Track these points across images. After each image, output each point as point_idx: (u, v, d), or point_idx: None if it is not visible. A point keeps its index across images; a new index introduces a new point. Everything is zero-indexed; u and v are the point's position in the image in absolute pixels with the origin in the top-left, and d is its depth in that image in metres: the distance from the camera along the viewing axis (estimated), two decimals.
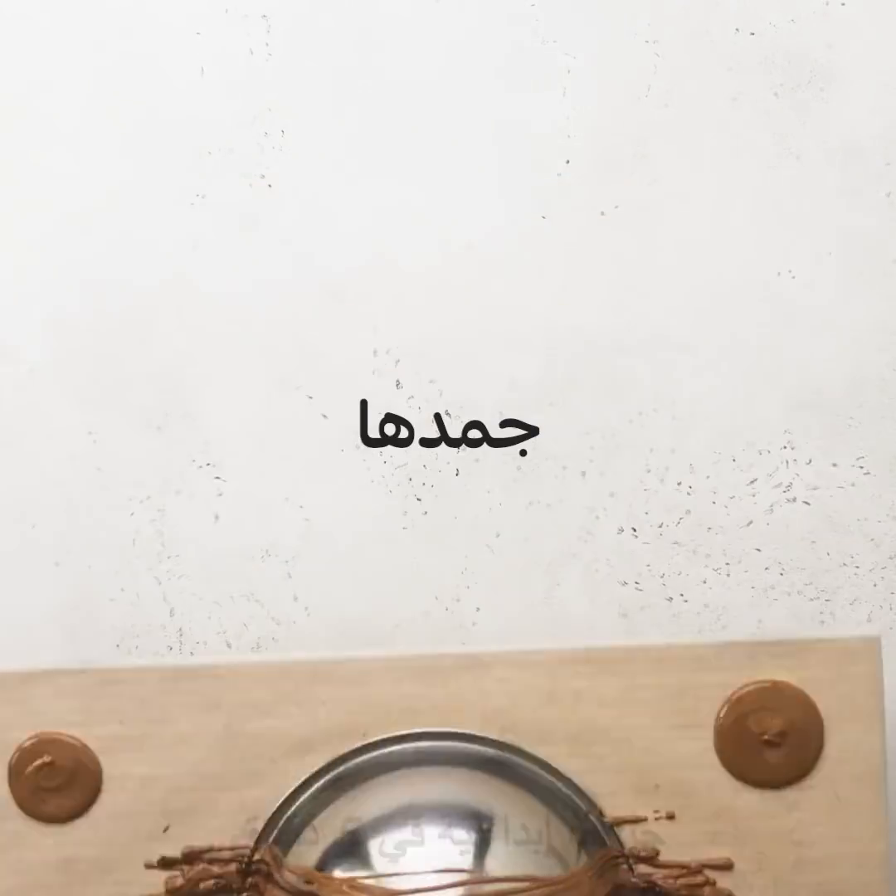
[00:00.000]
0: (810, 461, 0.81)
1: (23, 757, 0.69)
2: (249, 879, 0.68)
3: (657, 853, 0.68)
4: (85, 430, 0.82)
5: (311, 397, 0.81)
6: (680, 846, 0.68)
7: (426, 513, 0.81)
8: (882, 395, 0.80)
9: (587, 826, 0.69)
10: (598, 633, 0.81)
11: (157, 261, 0.81)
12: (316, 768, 0.69)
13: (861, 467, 0.81)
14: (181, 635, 0.82)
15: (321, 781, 0.70)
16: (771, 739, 0.67)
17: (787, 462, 0.81)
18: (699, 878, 0.68)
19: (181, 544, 0.82)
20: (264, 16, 0.80)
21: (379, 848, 0.67)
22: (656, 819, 0.68)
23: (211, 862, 0.68)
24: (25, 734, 0.69)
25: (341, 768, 0.70)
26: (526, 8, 0.80)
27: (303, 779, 0.69)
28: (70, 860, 0.69)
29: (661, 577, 0.81)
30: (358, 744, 0.70)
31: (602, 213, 0.80)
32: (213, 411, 0.82)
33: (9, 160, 0.81)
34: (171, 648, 0.82)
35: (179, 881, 0.68)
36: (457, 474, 0.81)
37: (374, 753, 0.70)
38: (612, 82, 0.80)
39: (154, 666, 0.71)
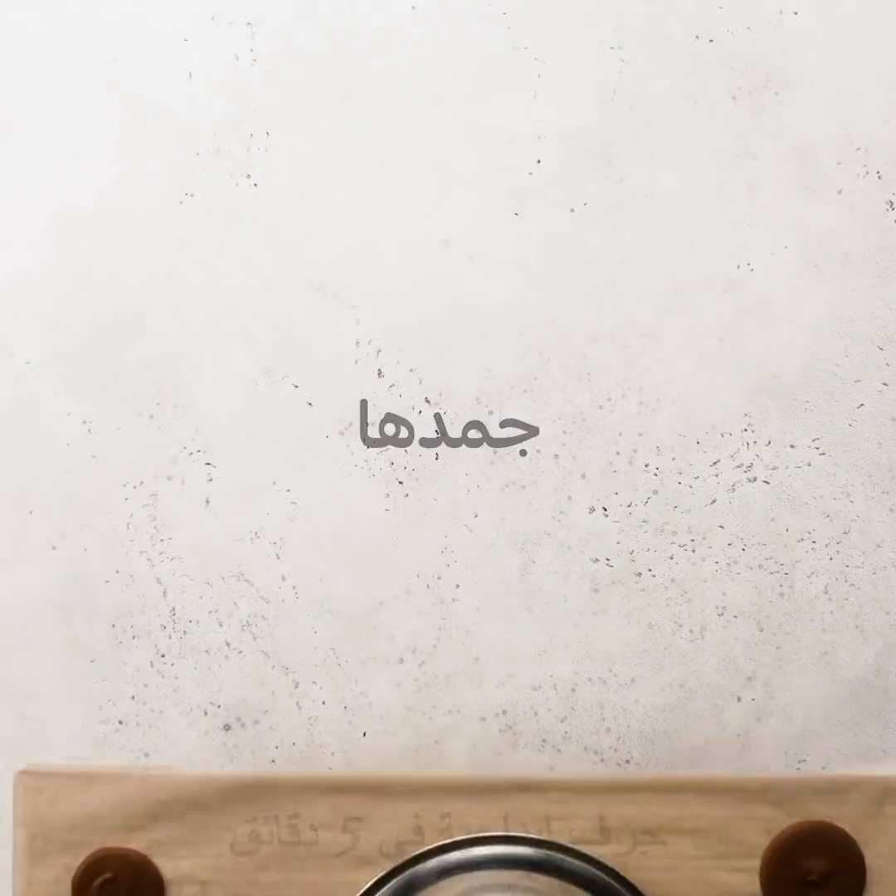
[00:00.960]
0: (769, 443, 0.83)
1: (86, 872, 0.67)
2: None
3: None
4: (80, 419, 0.83)
5: (296, 386, 0.83)
6: None
7: (407, 496, 0.83)
8: (835, 380, 0.82)
9: None
10: (571, 607, 0.83)
11: (148, 257, 0.82)
12: (374, 880, 0.68)
13: (817, 448, 0.83)
14: (174, 614, 0.83)
15: (381, 891, 0.69)
16: (815, 880, 0.67)
17: (748, 444, 0.83)
18: None
19: (173, 528, 0.83)
20: (249, 23, 0.82)
21: None
22: None
23: None
24: (88, 838, 0.67)
25: (399, 878, 0.69)
26: (498, 16, 0.82)
27: (362, 891, 0.69)
28: None
29: (631, 553, 0.83)
30: (415, 852, 0.69)
31: (571, 211, 0.82)
32: (203, 401, 0.83)
33: (3, 161, 0.82)
34: (163, 627, 0.83)
35: None
36: (436, 459, 0.83)
37: (433, 861, 0.69)
38: (580, 86, 0.82)
39: (215, 775, 0.70)
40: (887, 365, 0.82)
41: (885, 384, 0.82)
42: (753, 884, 0.68)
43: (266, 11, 0.82)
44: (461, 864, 0.69)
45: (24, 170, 0.82)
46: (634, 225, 0.82)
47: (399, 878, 0.69)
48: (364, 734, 0.82)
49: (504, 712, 0.82)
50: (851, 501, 0.82)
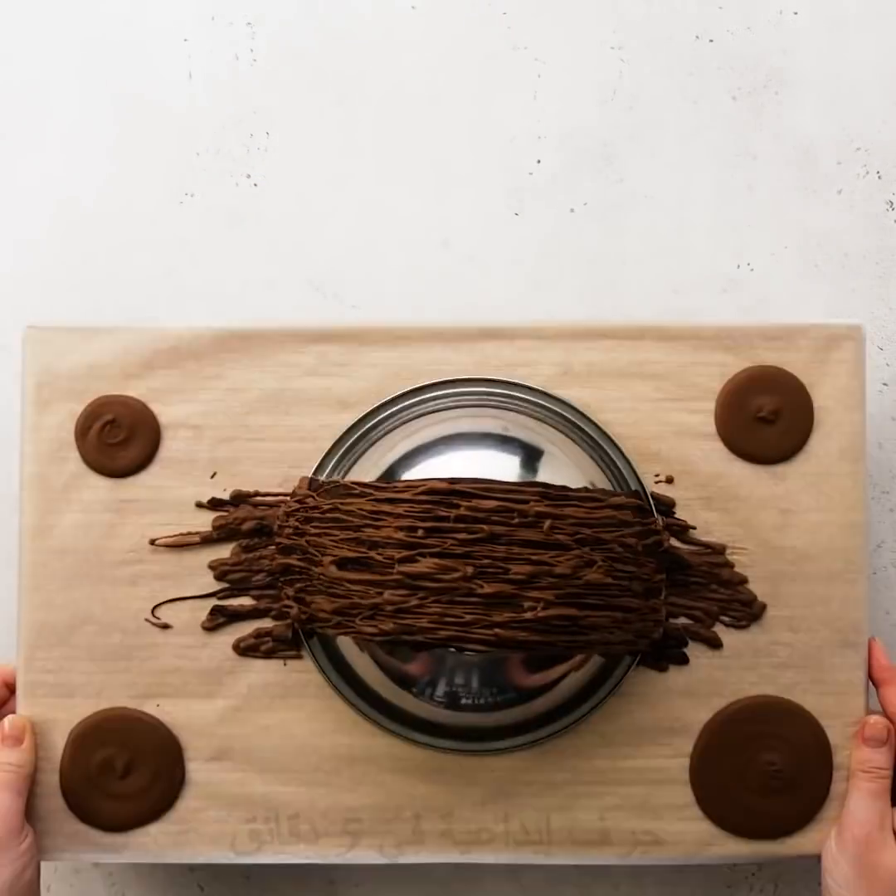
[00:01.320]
0: None
1: (88, 416, 0.72)
2: (291, 519, 0.71)
3: (688, 528, 0.72)
4: None
5: None
6: (677, 508, 0.73)
7: None
8: None
9: (623, 480, 0.72)
10: None
11: (149, 257, 0.82)
12: (355, 419, 0.73)
13: None
14: None
15: (362, 430, 0.73)
16: (765, 417, 0.72)
17: None
18: (721, 559, 0.72)
19: None
20: (249, 23, 0.82)
21: (423, 470, 0.69)
22: (656, 482, 0.72)
23: (256, 505, 0.73)
24: (90, 386, 0.73)
25: (381, 415, 0.73)
26: (498, 16, 0.82)
27: (343, 430, 0.73)
28: (126, 501, 0.73)
29: None
30: (397, 392, 0.73)
31: (571, 210, 0.82)
32: None
33: (3, 161, 0.82)
34: None
35: (226, 520, 0.73)
36: None
37: (409, 399, 0.73)
38: (581, 86, 0.82)
39: (209, 326, 0.73)
40: (887, 365, 0.82)
41: (884, 384, 0.82)
42: (709, 424, 0.72)
43: (266, 11, 0.82)
44: (437, 400, 0.73)
45: (24, 169, 0.82)
46: (633, 224, 0.82)
47: (381, 415, 0.73)
48: None
49: None
50: None
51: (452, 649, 0.64)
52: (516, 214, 0.82)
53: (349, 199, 0.82)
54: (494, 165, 0.82)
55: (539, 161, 0.82)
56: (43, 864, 0.81)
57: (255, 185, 0.82)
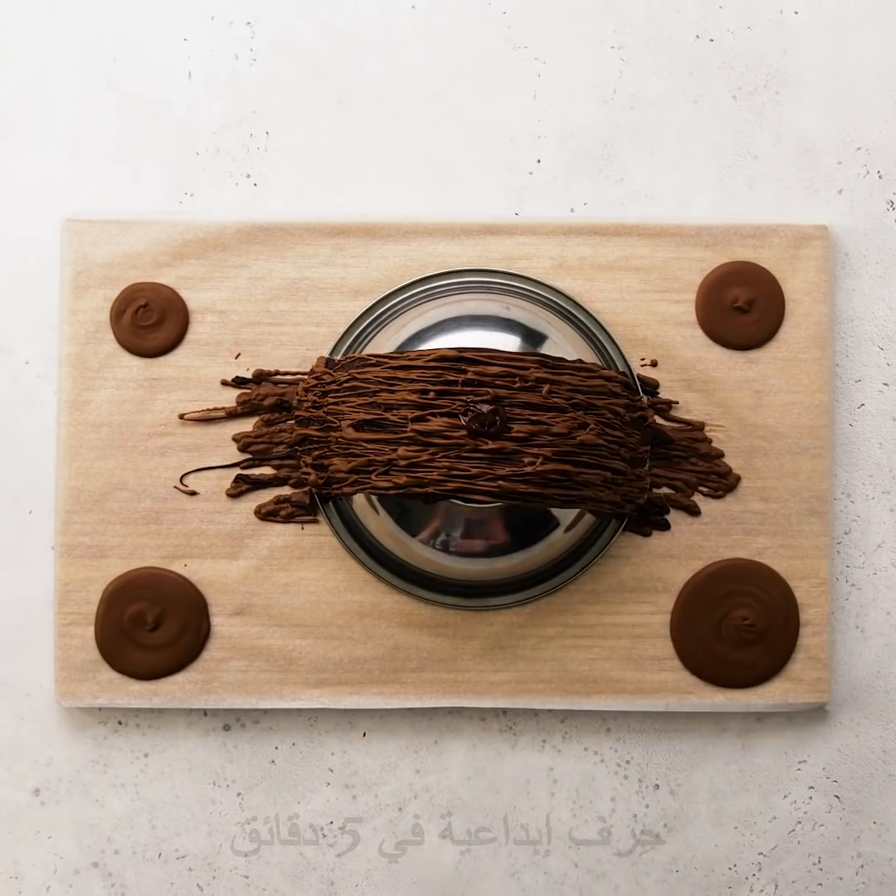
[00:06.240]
0: None
1: (122, 301, 0.79)
2: (309, 393, 0.76)
3: (671, 406, 0.79)
4: None
5: None
6: (660, 389, 0.79)
7: None
8: (835, 380, 0.81)
9: (612, 362, 0.79)
10: None
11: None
12: (366, 306, 0.79)
13: None
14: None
15: (374, 315, 0.79)
16: (741, 307, 0.79)
17: None
18: (700, 435, 0.79)
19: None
20: (249, 22, 0.82)
21: (433, 345, 0.75)
22: (642, 365, 0.79)
23: (276, 382, 0.79)
24: (124, 274, 0.79)
25: (392, 303, 0.79)
26: (498, 16, 0.82)
27: (357, 316, 0.79)
28: (156, 379, 0.80)
29: None
30: (407, 281, 0.80)
31: (572, 210, 0.82)
32: None
33: (4, 161, 0.82)
34: None
35: (249, 396, 0.79)
36: None
37: (417, 288, 0.79)
38: (581, 86, 0.82)
39: (234, 220, 0.80)
40: (887, 365, 0.82)
41: (885, 384, 0.82)
42: (690, 313, 0.79)
43: (266, 11, 0.82)
44: (443, 287, 0.80)
45: (25, 169, 0.82)
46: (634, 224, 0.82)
47: (391, 302, 0.79)
48: None
49: None
50: (852, 501, 0.82)
51: (459, 501, 0.69)
52: (516, 214, 0.82)
53: (349, 199, 0.82)
54: (494, 165, 0.82)
55: (539, 161, 0.82)
56: (42, 864, 0.81)
57: (255, 184, 0.82)
